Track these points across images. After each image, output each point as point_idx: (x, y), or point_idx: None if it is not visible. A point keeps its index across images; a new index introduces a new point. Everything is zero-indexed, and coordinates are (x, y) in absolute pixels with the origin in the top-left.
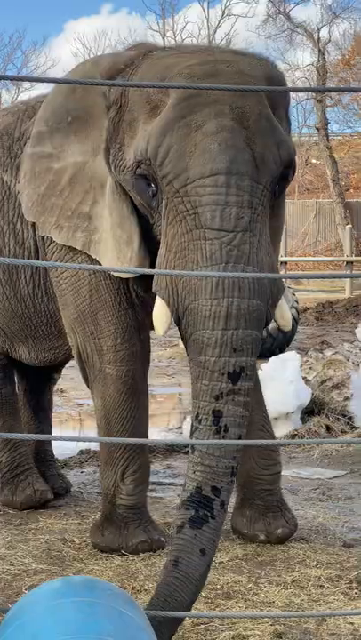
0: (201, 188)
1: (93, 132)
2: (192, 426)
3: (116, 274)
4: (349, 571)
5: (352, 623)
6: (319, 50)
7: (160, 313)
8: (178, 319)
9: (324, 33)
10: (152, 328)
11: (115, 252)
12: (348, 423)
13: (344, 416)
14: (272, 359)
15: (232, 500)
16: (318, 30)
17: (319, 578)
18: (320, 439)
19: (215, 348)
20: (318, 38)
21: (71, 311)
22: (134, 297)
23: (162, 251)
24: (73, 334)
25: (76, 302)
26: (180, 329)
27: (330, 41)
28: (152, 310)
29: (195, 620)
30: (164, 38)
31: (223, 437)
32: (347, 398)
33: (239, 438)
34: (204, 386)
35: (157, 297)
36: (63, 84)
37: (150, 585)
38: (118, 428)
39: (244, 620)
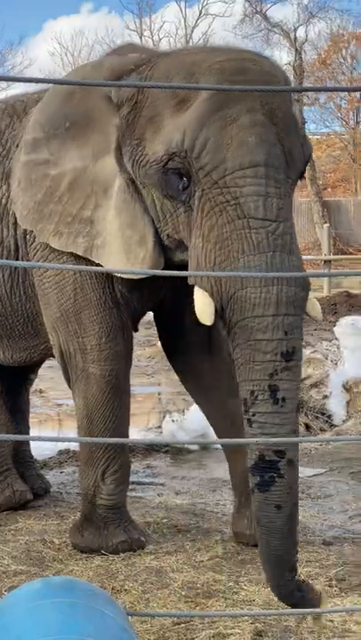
0: (241, 180)
1: (94, 136)
2: (246, 403)
3: (126, 275)
4: (329, 568)
5: (332, 621)
6: (296, 49)
7: (203, 303)
8: (221, 308)
9: (300, 32)
10: (135, 329)
11: (121, 253)
12: (326, 421)
13: (323, 414)
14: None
15: (230, 508)
16: (295, 30)
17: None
18: (299, 437)
19: (266, 332)
20: (295, 38)
21: (54, 310)
22: (119, 296)
23: (197, 242)
24: (55, 333)
25: (59, 301)
26: (222, 318)
27: (306, 40)
28: (135, 310)
29: (175, 619)
30: (141, 38)
31: (282, 407)
32: (325, 397)
33: (295, 407)
34: (257, 366)
35: (196, 288)
36: (59, 89)
37: (130, 584)
38: (100, 428)
39: (224, 618)
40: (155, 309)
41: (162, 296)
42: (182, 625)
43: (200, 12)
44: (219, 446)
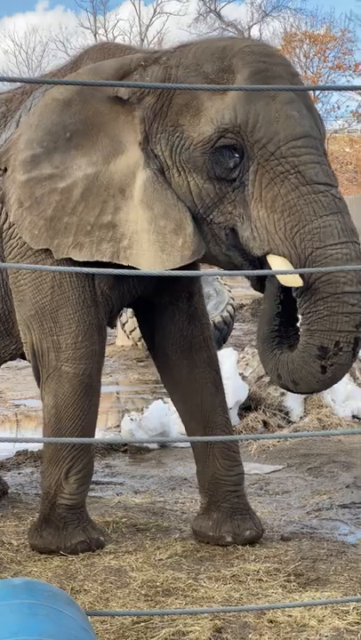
0: (296, 149)
1: (102, 140)
2: (327, 351)
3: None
4: (287, 564)
5: (291, 615)
6: None
7: (287, 265)
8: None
9: (254, 31)
10: (111, 325)
11: (154, 247)
12: (284, 418)
13: (281, 411)
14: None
15: (196, 507)
16: (249, 29)
17: (258, 572)
18: (257, 435)
19: (352, 285)
20: (249, 37)
21: (28, 307)
22: (99, 294)
23: (261, 214)
24: (28, 331)
25: (35, 298)
26: (301, 276)
27: (261, 39)
28: (114, 307)
29: (135, 617)
30: (95, 36)
31: (352, 360)
32: (283, 394)
33: None
34: (345, 317)
35: (273, 257)
36: (50, 103)
37: (90, 585)
38: (69, 427)
39: (184, 616)
40: (134, 305)
41: (140, 293)
42: (142, 624)
43: (154, 11)
44: (178, 444)
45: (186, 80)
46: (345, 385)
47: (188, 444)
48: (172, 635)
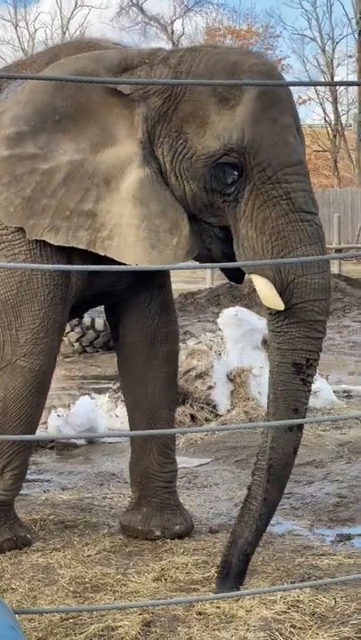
0: (290, 176)
1: (92, 129)
2: (301, 367)
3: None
4: (216, 556)
5: (219, 607)
6: (173, 43)
7: (269, 290)
8: (280, 292)
9: (177, 26)
10: (79, 317)
11: (144, 242)
12: (212, 412)
13: (208, 405)
14: None
15: (125, 502)
16: (172, 23)
17: (186, 565)
18: (185, 428)
19: (322, 315)
20: (172, 31)
21: None
22: (73, 291)
23: (250, 233)
24: None
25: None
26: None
27: (183, 34)
28: (85, 302)
29: (63, 614)
30: (16, 28)
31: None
32: (210, 387)
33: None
34: (314, 340)
35: (257, 277)
36: (42, 82)
37: (17, 583)
38: (14, 422)
39: (113, 611)
40: (105, 297)
41: (114, 286)
42: (71, 620)
43: (76, 3)
44: (106, 440)
45: (196, 89)
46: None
47: (116, 440)
48: (101, 630)
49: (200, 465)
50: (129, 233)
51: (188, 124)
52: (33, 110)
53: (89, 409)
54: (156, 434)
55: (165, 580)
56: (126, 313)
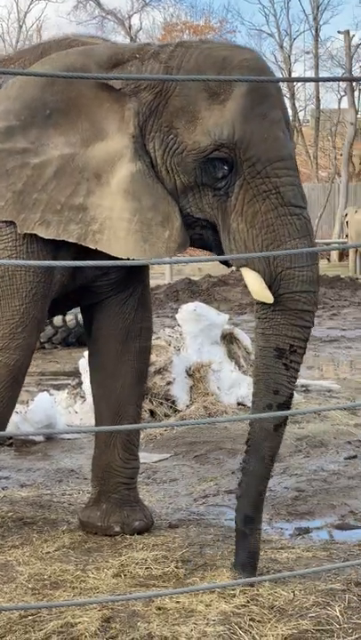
0: (279, 170)
1: (82, 124)
2: (283, 352)
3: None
4: (175, 551)
5: (179, 602)
6: (131, 37)
7: (259, 283)
8: (269, 284)
9: (135, 21)
10: (63, 313)
11: (135, 235)
12: (171, 407)
13: (167, 400)
14: None
15: (84, 499)
16: (129, 18)
17: (146, 560)
18: (144, 424)
19: (310, 305)
20: (129, 26)
21: None
22: (54, 289)
23: (241, 227)
24: None
25: None
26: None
27: (141, 29)
28: (67, 298)
29: (22, 612)
30: None
31: (301, 361)
32: (169, 383)
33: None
34: (299, 329)
35: (248, 270)
36: (32, 77)
37: None
38: None
39: (72, 607)
40: (86, 290)
41: (97, 280)
42: (29, 617)
43: None
44: (64, 436)
45: (186, 84)
46: (230, 373)
47: (75, 436)
48: (60, 627)
49: (159, 460)
50: (120, 226)
51: (178, 118)
52: (23, 105)
53: (47, 405)
54: (114, 429)
55: (125, 575)
56: (104, 306)
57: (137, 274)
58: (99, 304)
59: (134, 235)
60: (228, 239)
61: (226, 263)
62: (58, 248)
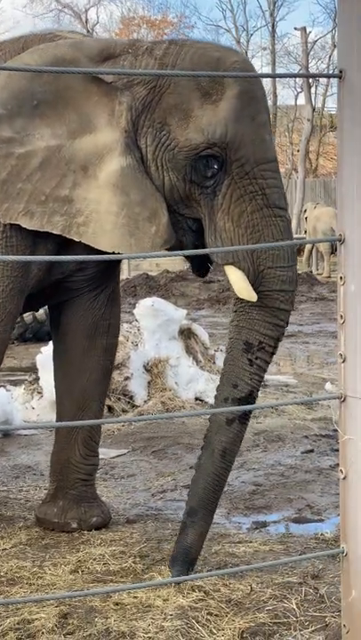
0: (265, 172)
1: (69, 115)
2: (251, 346)
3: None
4: (133, 546)
5: (136, 597)
6: (88, 31)
7: (243, 281)
8: (252, 281)
9: (92, 14)
10: (36, 310)
11: (122, 229)
12: (128, 402)
13: (125, 395)
14: (51, 343)
15: (41, 495)
16: (86, 12)
17: (103, 556)
18: (102, 420)
19: (287, 304)
20: (86, 20)
21: None
22: (33, 282)
23: (228, 226)
24: None
25: None
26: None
27: (98, 23)
28: (43, 292)
29: None
30: None
31: (270, 361)
32: (127, 378)
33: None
34: (272, 326)
35: (233, 269)
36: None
37: None
38: None
39: (29, 604)
40: (60, 290)
41: (73, 275)
42: None
43: None
44: (21, 432)
45: (180, 82)
46: (188, 368)
47: (32, 432)
48: (17, 624)
49: (117, 456)
50: (107, 220)
51: (171, 115)
52: (10, 94)
53: (4, 401)
54: (71, 425)
55: (82, 571)
56: (75, 302)
57: (112, 269)
58: (68, 300)
59: (121, 229)
60: (215, 236)
61: (208, 261)
62: (36, 243)
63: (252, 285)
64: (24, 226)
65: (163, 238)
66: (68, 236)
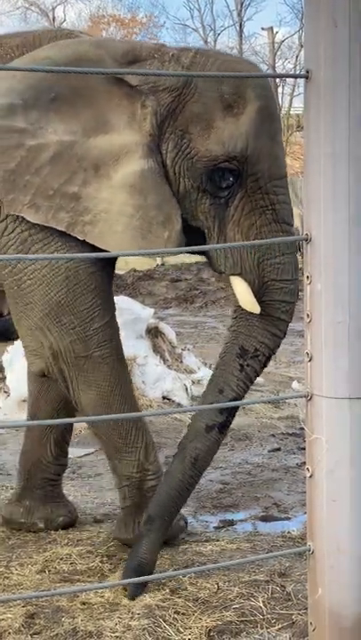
0: (277, 188)
1: (85, 113)
2: (246, 352)
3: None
4: (100, 546)
5: (103, 596)
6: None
7: (249, 294)
8: (255, 293)
9: (59, 12)
10: None
11: (135, 231)
12: None
13: None
14: (17, 342)
15: (7, 495)
16: (53, 10)
17: (70, 555)
18: (69, 419)
19: (287, 315)
20: (54, 18)
21: (40, 309)
22: (107, 278)
23: (238, 237)
24: (44, 336)
25: (47, 296)
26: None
27: (65, 21)
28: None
29: None
30: None
31: (260, 373)
32: None
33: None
34: (271, 335)
35: (239, 281)
36: (42, 62)
37: None
38: (121, 408)
39: None
40: None
41: None
42: None
43: None
44: None
45: (204, 93)
46: (155, 367)
47: None
48: None
49: (84, 455)
50: (119, 221)
51: (193, 124)
52: (28, 85)
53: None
54: (36, 424)
55: (49, 571)
56: None
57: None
58: None
59: (132, 231)
60: (225, 248)
61: (213, 269)
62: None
63: (256, 295)
64: (28, 219)
65: (174, 244)
66: (71, 234)
